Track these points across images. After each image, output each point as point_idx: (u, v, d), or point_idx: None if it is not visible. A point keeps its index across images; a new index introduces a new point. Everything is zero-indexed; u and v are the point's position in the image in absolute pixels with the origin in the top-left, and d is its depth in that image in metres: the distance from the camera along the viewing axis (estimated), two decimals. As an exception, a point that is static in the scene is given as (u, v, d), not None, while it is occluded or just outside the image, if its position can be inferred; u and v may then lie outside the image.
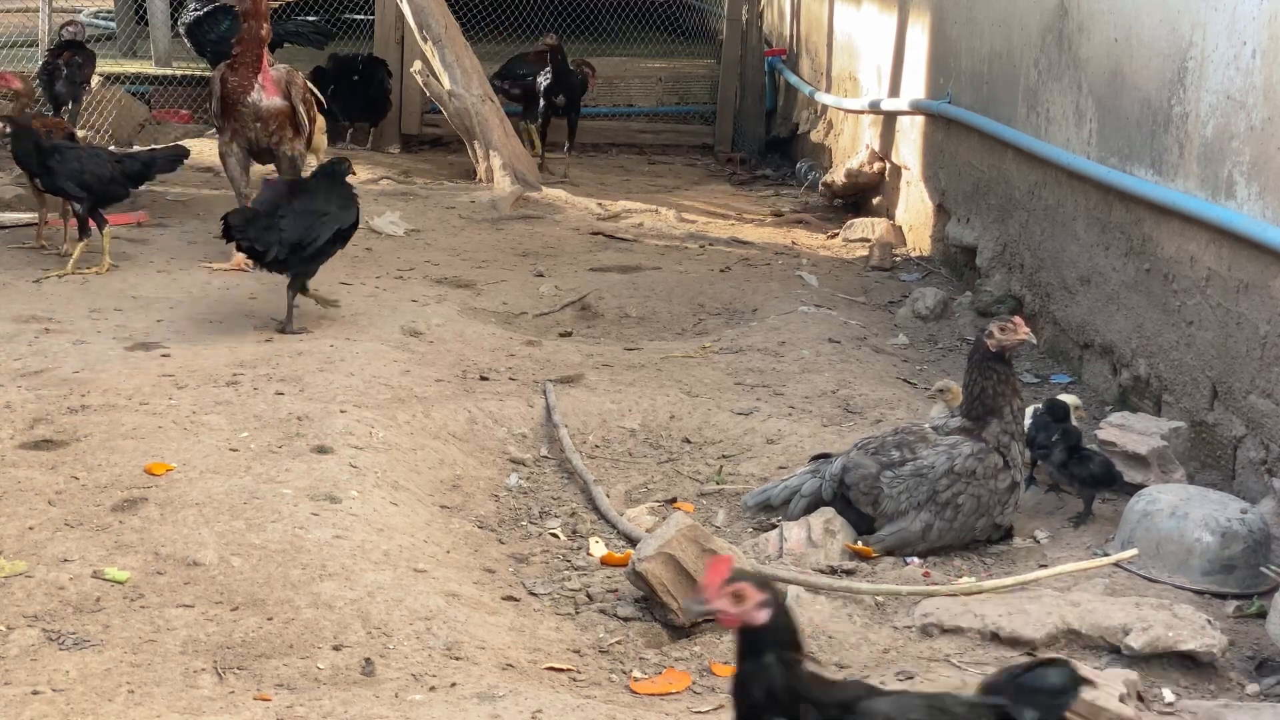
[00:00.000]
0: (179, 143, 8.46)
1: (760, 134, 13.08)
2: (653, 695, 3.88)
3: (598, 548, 4.83)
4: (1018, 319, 4.80)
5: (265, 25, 7.73)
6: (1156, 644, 3.91)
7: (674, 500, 5.29)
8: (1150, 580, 4.50)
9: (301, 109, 7.88)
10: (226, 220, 6.66)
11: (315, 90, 8.34)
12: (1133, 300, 6.05)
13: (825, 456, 5.09)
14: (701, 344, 6.96)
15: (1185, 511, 4.57)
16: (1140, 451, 5.10)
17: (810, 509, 4.92)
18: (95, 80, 11.45)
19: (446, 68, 10.90)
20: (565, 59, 11.46)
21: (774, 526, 4.92)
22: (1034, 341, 4.88)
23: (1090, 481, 4.92)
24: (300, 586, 4.11)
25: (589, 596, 4.46)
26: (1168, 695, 3.82)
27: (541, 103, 11.49)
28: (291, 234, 6.52)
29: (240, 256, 7.84)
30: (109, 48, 14.48)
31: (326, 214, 6.69)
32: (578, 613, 4.38)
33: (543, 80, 11.43)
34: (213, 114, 7.96)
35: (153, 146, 8.17)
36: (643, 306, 7.69)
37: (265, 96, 7.76)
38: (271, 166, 8.26)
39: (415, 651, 3.86)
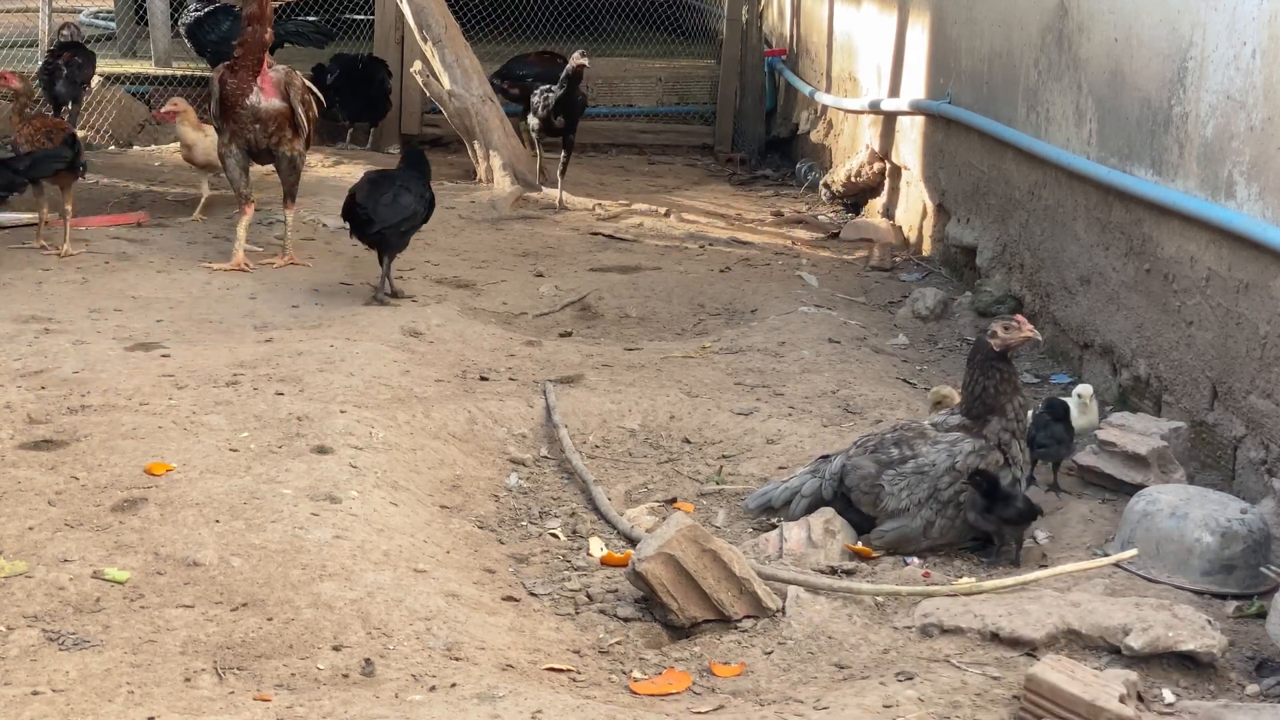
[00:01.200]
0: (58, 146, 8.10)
1: (760, 134, 13.07)
2: (653, 695, 3.88)
3: (598, 548, 4.83)
4: (1020, 317, 4.80)
5: (269, 30, 7.76)
6: (1156, 644, 3.91)
7: (674, 500, 5.29)
8: (1150, 580, 4.50)
9: (300, 110, 7.89)
10: (352, 193, 7.34)
11: (314, 89, 8.35)
12: (1133, 300, 6.05)
13: (830, 459, 5.08)
14: (701, 344, 6.96)
15: (1185, 512, 4.57)
16: (1140, 452, 5.10)
17: (811, 509, 4.92)
18: (95, 80, 11.46)
19: (446, 68, 10.91)
20: (580, 82, 10.11)
21: (774, 526, 4.92)
22: (1039, 339, 4.87)
23: (1016, 520, 4.73)
24: (300, 587, 4.11)
25: (589, 597, 4.46)
26: (1168, 695, 3.82)
27: (537, 120, 10.19)
28: (390, 213, 7.24)
29: (241, 256, 7.86)
30: (109, 48, 14.47)
31: (413, 193, 7.43)
32: (578, 613, 4.38)
33: (540, 97, 10.13)
34: (212, 115, 7.97)
35: (37, 149, 7.92)
36: (643, 306, 7.69)
37: (264, 99, 7.77)
38: (271, 167, 8.27)
39: (415, 652, 3.85)
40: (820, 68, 11.69)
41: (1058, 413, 5.16)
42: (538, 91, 10.29)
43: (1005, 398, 4.80)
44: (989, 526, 4.73)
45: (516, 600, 4.40)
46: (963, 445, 4.78)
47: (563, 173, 10.22)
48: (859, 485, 4.85)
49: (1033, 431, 5.06)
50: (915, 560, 4.74)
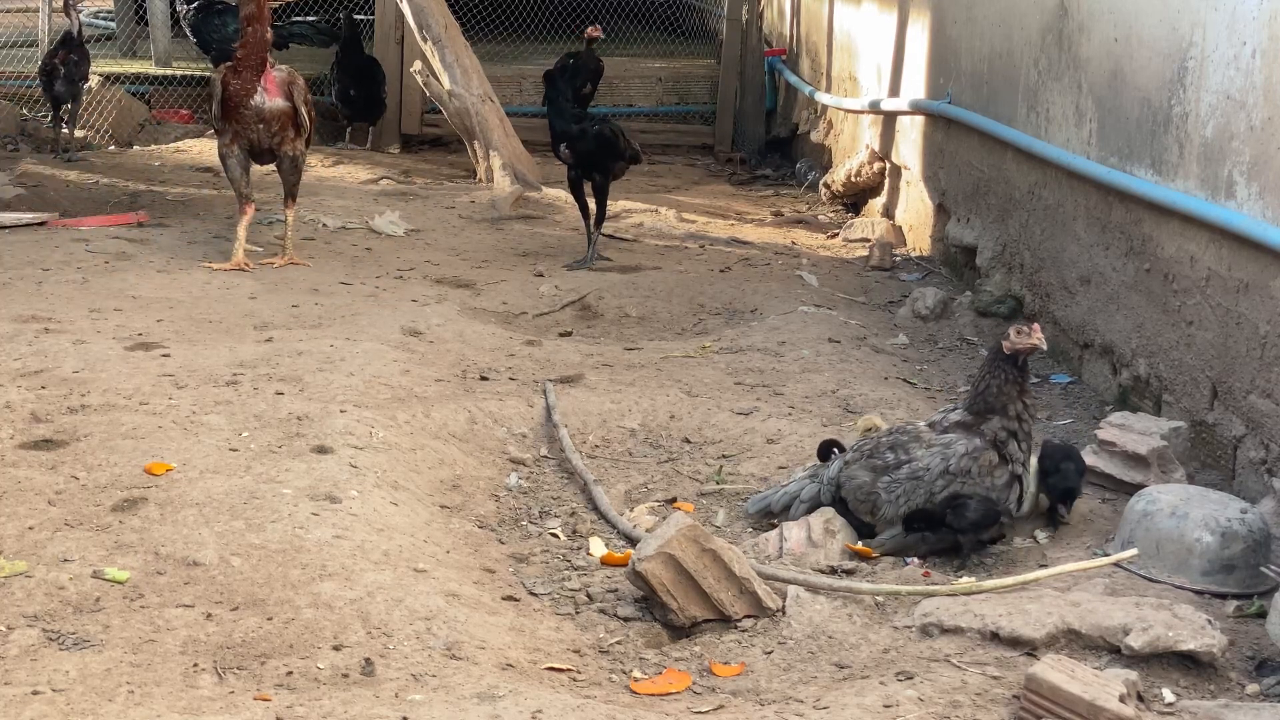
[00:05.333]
0: None
1: (760, 134, 13.08)
2: (653, 695, 3.88)
3: (598, 548, 4.83)
4: (1035, 325, 4.80)
5: (269, 30, 7.76)
6: (1156, 644, 3.91)
7: (674, 500, 5.29)
8: (1150, 580, 4.50)
9: (304, 110, 7.90)
10: None
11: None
12: (1133, 300, 6.05)
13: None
14: (701, 344, 6.96)
15: (1185, 511, 4.57)
16: (1140, 451, 5.10)
17: (810, 513, 4.91)
18: (95, 80, 11.46)
19: (446, 68, 10.92)
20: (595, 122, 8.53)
21: (774, 526, 4.92)
22: (1044, 348, 4.86)
23: (971, 528, 4.70)
24: (300, 586, 4.11)
25: (589, 596, 4.46)
26: (1168, 695, 3.82)
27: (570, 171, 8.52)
28: None
29: (240, 256, 7.85)
30: (109, 48, 14.49)
31: None
32: (578, 613, 4.38)
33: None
34: (213, 116, 7.94)
35: None
36: (643, 306, 7.69)
37: (268, 99, 7.78)
38: (270, 166, 8.27)
39: (415, 651, 3.85)
40: (820, 67, 11.69)
41: (1071, 454, 5.07)
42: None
43: (1008, 398, 4.79)
44: (944, 536, 4.74)
45: (516, 600, 4.40)
46: (956, 446, 4.77)
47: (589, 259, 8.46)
48: (854, 495, 4.85)
49: (1048, 469, 5.00)
50: (915, 560, 4.74)
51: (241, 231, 7.95)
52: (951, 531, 4.70)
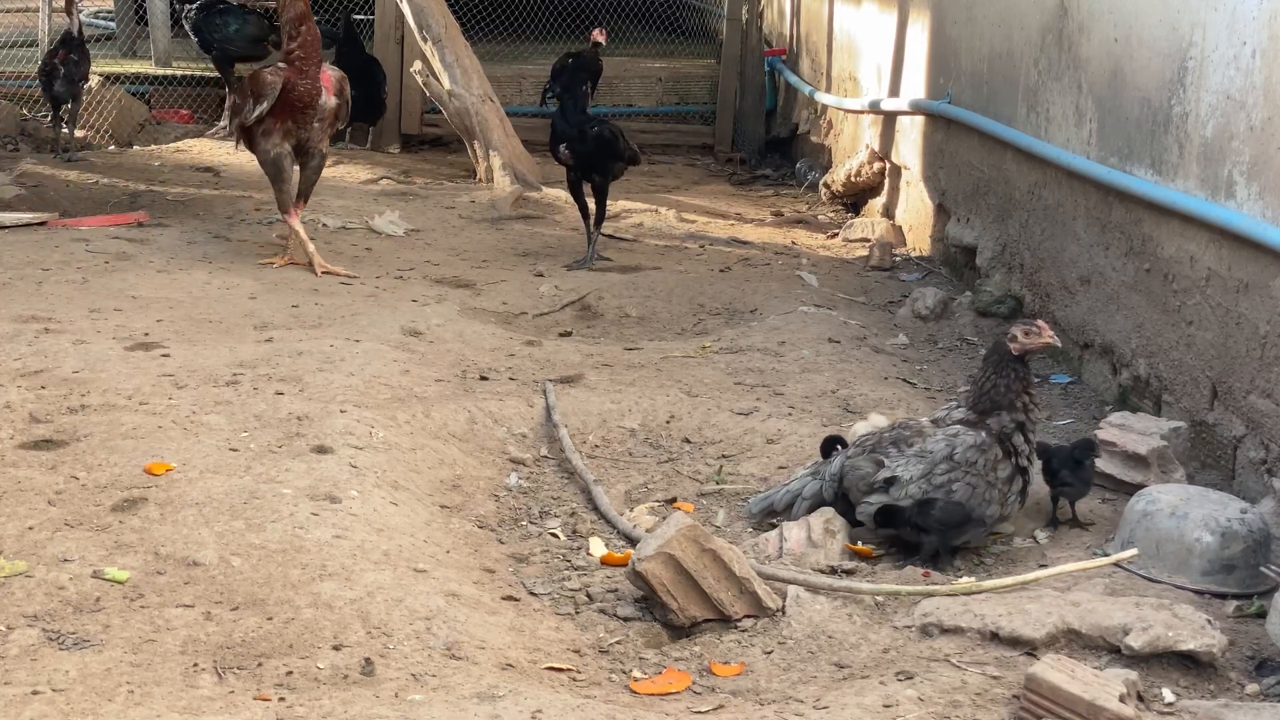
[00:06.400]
0: None
1: (760, 134, 13.08)
2: (653, 695, 3.88)
3: (598, 548, 4.83)
4: (1042, 323, 4.80)
5: (315, 27, 7.79)
6: (1156, 644, 3.92)
7: (674, 500, 5.29)
8: (1150, 580, 4.50)
9: (346, 107, 7.98)
10: None
11: None
12: (1133, 300, 6.05)
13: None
14: (701, 344, 6.96)
15: (1185, 511, 4.57)
16: (1140, 451, 5.10)
17: (812, 511, 4.91)
18: (95, 80, 11.46)
19: (446, 68, 10.92)
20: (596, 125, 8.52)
21: (774, 526, 4.92)
22: (1058, 345, 4.84)
23: (933, 528, 4.69)
24: (300, 586, 4.11)
25: (589, 596, 4.46)
26: (1168, 695, 3.82)
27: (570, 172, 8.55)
28: None
29: (318, 259, 7.81)
30: (109, 48, 14.49)
31: None
32: (578, 613, 4.38)
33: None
34: (257, 114, 7.69)
35: None
36: (643, 306, 7.70)
37: (327, 96, 7.82)
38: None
39: (415, 651, 3.86)
40: (820, 67, 11.69)
41: (1084, 454, 5.06)
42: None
43: (1015, 395, 4.79)
44: (910, 536, 4.74)
45: (516, 600, 4.40)
46: (964, 437, 4.77)
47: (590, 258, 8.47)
48: (856, 485, 4.85)
49: (1057, 467, 5.00)
50: (915, 560, 4.74)
51: (298, 226, 7.91)
52: (917, 531, 4.71)
